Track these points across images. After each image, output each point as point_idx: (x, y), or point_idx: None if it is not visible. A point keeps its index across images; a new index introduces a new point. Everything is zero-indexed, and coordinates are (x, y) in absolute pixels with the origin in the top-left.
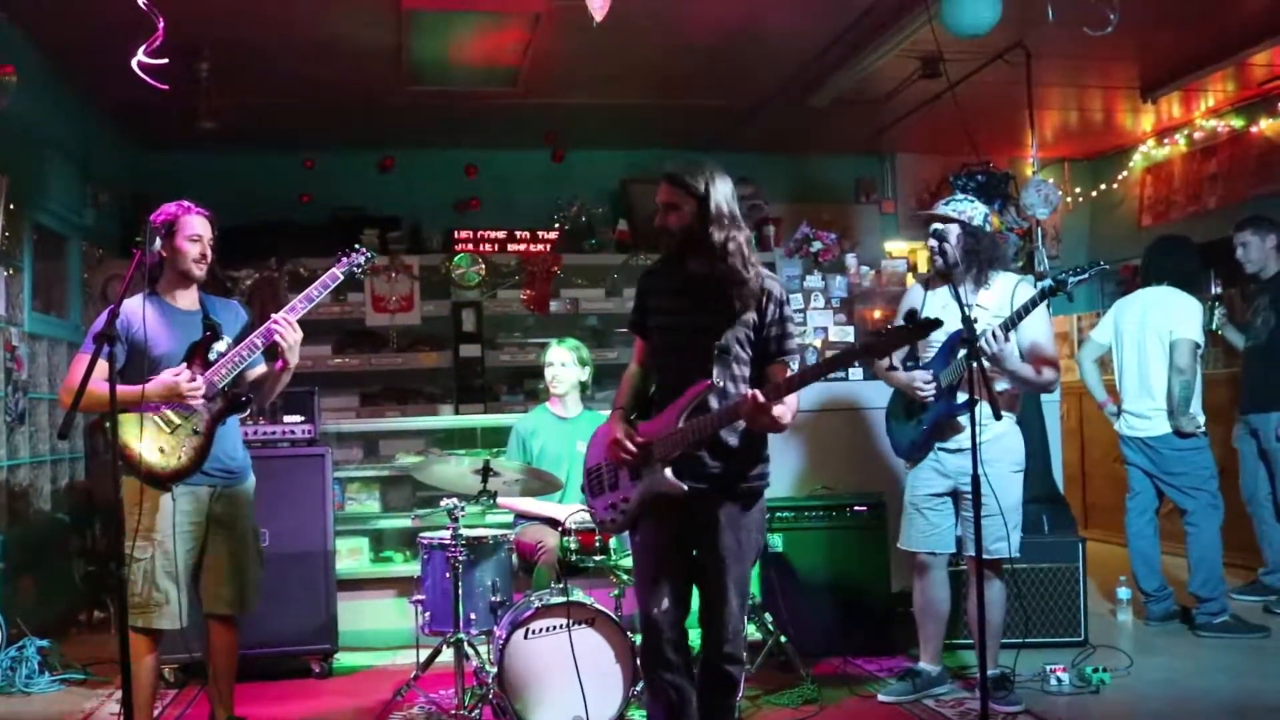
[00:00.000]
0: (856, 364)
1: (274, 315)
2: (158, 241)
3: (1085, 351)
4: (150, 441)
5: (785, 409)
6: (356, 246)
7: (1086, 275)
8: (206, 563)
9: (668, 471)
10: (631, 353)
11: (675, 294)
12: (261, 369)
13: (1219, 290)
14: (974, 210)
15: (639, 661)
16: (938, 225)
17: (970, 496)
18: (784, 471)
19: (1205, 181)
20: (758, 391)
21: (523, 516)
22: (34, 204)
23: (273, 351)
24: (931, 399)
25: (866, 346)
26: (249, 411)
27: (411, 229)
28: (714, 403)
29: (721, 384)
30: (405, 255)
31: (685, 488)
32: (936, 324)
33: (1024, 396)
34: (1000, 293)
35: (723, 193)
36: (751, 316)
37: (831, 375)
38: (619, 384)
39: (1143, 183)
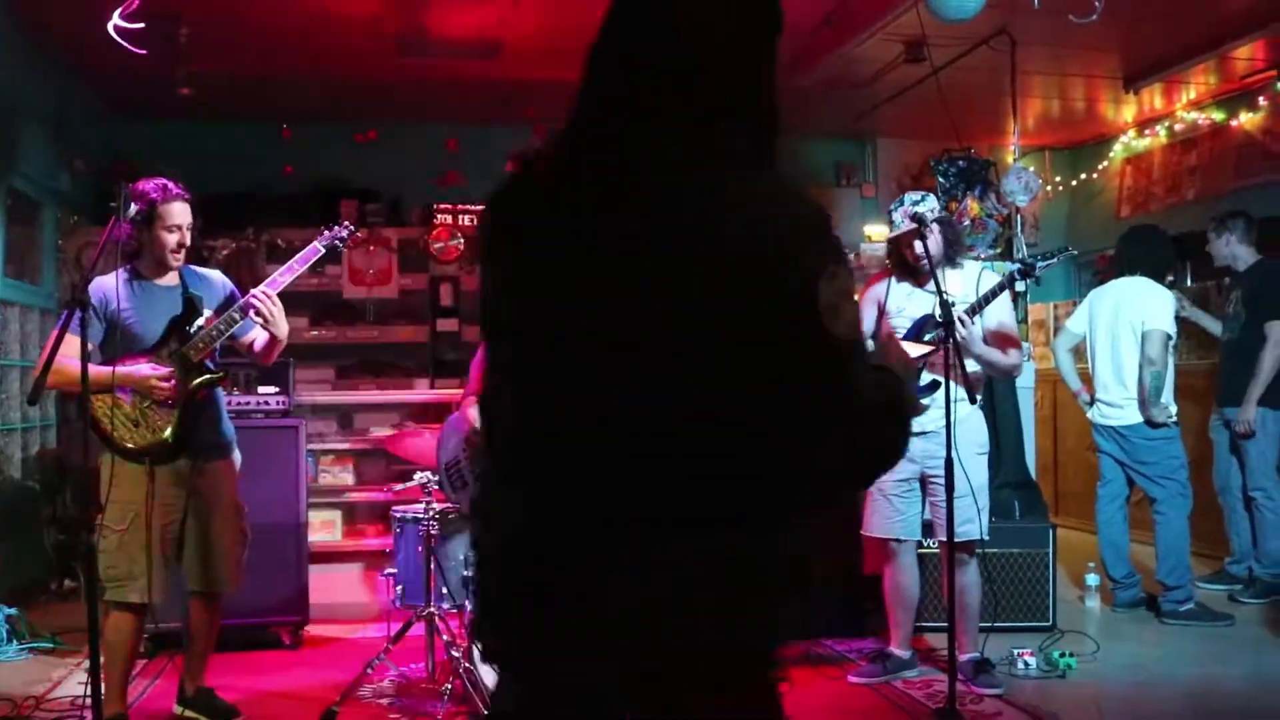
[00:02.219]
0: None
1: (252, 291)
2: (133, 209)
3: (1060, 341)
4: (124, 415)
5: None
6: (340, 222)
7: (1054, 259)
8: (189, 539)
9: None
10: None
11: None
12: (253, 334)
13: (1190, 281)
14: (934, 204)
15: None
16: (919, 221)
17: (936, 480)
18: None
19: (1185, 174)
20: None
21: None
22: (7, 167)
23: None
24: None
25: None
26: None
27: (391, 202)
28: None
29: None
30: (384, 228)
31: None
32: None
33: (999, 383)
34: (966, 280)
35: None
36: None
37: None
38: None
39: (1122, 173)
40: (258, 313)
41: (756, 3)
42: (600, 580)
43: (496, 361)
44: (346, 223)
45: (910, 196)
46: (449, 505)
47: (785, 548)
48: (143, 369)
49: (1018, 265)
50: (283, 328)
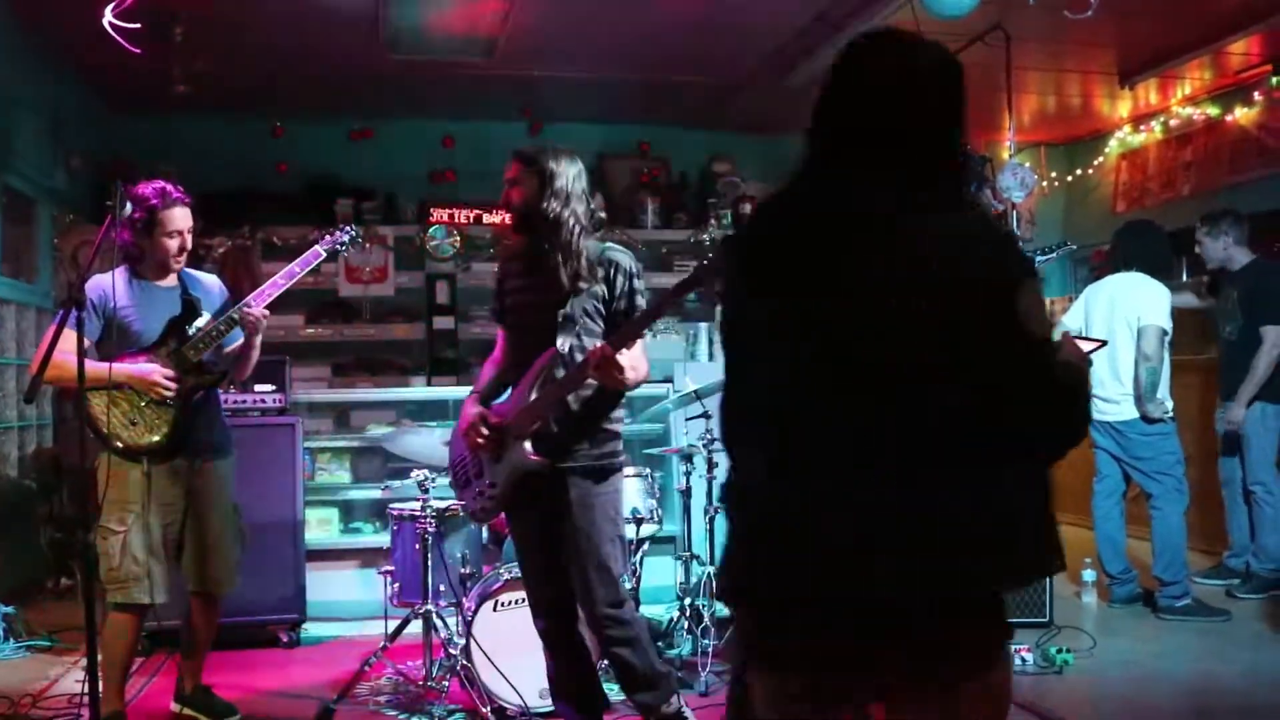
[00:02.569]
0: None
1: (249, 306)
2: (130, 212)
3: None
4: (121, 415)
5: (631, 365)
6: (341, 225)
7: (1053, 254)
8: (187, 538)
9: (527, 446)
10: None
11: (522, 274)
12: (238, 344)
13: (1185, 276)
14: None
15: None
16: None
17: None
18: None
19: (1180, 169)
20: (605, 343)
21: None
22: (2, 165)
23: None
24: None
25: (704, 271)
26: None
27: (386, 200)
28: (562, 373)
29: (568, 351)
30: (380, 226)
31: (549, 462)
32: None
33: None
34: None
35: (567, 172)
36: (600, 289)
37: None
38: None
39: (1118, 169)
40: (255, 329)
41: (954, 77)
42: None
43: (759, 370)
44: (349, 227)
45: None
46: (451, 504)
47: (1011, 498)
48: (146, 367)
49: None
50: (257, 347)
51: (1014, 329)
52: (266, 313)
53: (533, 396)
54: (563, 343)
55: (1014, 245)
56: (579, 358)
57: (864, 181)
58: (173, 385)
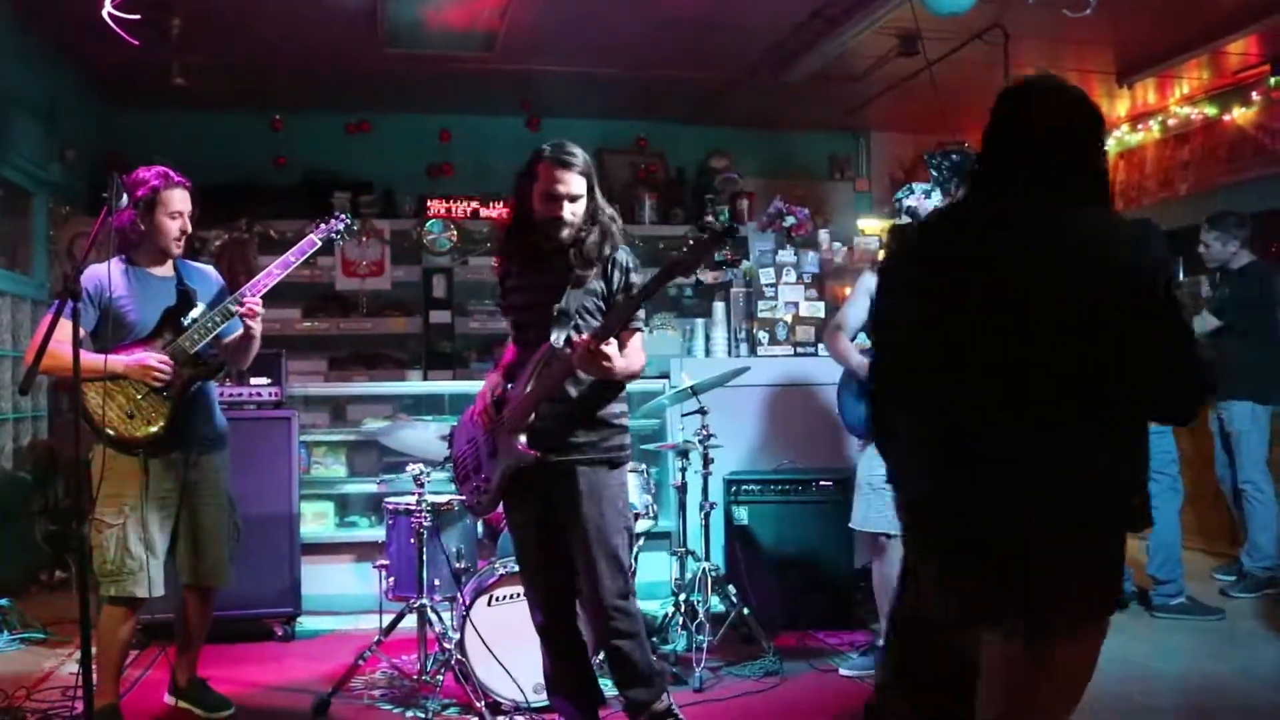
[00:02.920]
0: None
1: (245, 296)
2: (125, 198)
3: None
4: (118, 407)
5: (617, 354)
6: (335, 214)
7: None
8: (182, 531)
9: (522, 439)
10: None
11: (522, 272)
12: (238, 334)
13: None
14: (939, 198)
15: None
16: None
17: None
18: (749, 445)
19: (1177, 168)
20: (588, 335)
21: None
22: None
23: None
24: None
25: (676, 263)
26: (222, 375)
27: (384, 193)
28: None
29: (562, 345)
30: (377, 220)
31: (537, 454)
32: (733, 231)
33: None
34: None
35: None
36: (599, 285)
37: (802, 351)
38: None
39: (1115, 168)
40: (252, 317)
41: (1096, 112)
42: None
43: (910, 366)
44: (343, 215)
45: (920, 186)
46: (447, 498)
47: (1133, 460)
48: (140, 355)
49: None
50: (257, 337)
51: (1164, 314)
52: (259, 303)
53: (528, 389)
54: (557, 337)
55: (1157, 236)
56: None
57: (1030, 197)
58: (166, 368)
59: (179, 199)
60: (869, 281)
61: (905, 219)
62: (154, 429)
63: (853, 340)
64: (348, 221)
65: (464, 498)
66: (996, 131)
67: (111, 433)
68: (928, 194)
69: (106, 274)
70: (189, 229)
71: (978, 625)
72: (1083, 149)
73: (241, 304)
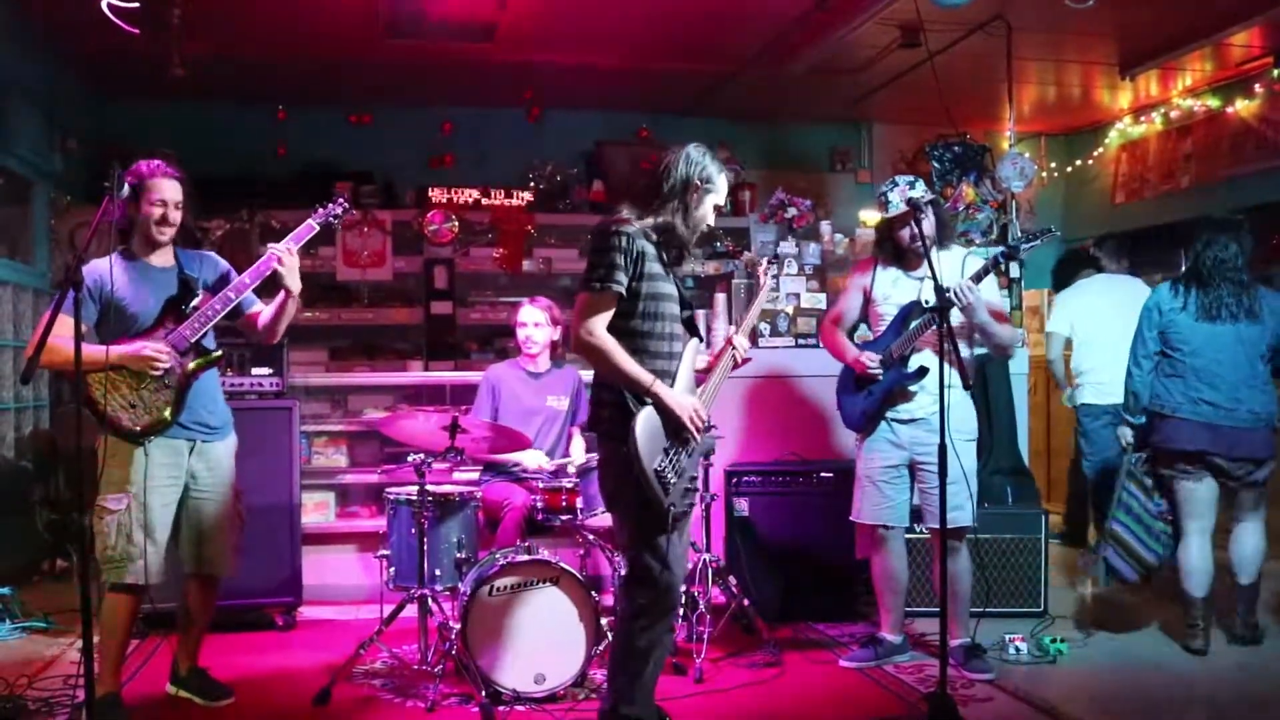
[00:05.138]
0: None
1: (270, 246)
2: (125, 188)
3: (1053, 346)
4: (120, 397)
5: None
6: (334, 198)
7: (1037, 240)
8: (185, 520)
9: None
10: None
11: (663, 262)
12: (258, 308)
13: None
14: (923, 190)
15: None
16: (915, 206)
17: (925, 467)
18: (750, 437)
19: (1180, 160)
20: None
21: (490, 467)
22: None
23: (273, 283)
24: (881, 376)
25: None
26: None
27: (385, 184)
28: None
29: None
30: (378, 210)
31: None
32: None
33: (992, 369)
34: (951, 263)
35: None
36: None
37: (803, 343)
38: (605, 354)
39: (1118, 160)
40: (280, 262)
41: None
42: None
43: None
44: (340, 199)
45: (903, 179)
46: (444, 490)
47: None
48: (137, 344)
49: (1001, 249)
50: (296, 283)
51: None
52: (291, 246)
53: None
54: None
55: None
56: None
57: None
58: (164, 355)
59: (163, 188)
60: (863, 277)
61: (891, 212)
62: (157, 417)
63: (853, 332)
64: (345, 205)
65: (675, 508)
66: None
67: (114, 421)
68: (911, 185)
69: (108, 269)
70: (174, 219)
71: None
72: None
73: (268, 265)
